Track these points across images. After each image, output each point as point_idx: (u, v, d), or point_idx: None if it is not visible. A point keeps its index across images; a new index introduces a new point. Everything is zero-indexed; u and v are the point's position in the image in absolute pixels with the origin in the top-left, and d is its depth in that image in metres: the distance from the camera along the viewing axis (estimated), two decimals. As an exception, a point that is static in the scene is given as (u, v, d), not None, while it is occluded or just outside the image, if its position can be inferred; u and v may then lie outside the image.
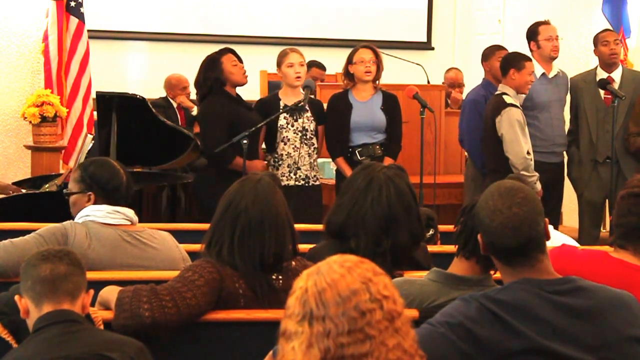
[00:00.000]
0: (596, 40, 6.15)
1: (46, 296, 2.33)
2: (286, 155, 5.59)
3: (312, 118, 5.63)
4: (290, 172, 5.58)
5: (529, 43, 6.09)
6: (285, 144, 5.60)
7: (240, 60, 5.56)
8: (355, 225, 2.97)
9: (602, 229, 6.42)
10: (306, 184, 5.60)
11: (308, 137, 5.61)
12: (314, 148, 5.65)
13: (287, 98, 5.63)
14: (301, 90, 5.64)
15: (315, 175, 5.65)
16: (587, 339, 2.17)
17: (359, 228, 2.96)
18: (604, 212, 6.33)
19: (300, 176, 5.59)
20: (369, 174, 3.04)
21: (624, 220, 2.82)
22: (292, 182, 5.58)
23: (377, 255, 2.94)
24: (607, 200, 6.11)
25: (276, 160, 5.62)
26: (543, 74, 5.99)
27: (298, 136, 5.58)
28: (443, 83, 8.01)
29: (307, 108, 5.60)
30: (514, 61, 5.60)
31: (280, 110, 5.53)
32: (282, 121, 5.56)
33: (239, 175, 5.11)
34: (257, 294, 2.73)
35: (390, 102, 5.69)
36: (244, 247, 2.73)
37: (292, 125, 5.59)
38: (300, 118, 5.60)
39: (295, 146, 5.58)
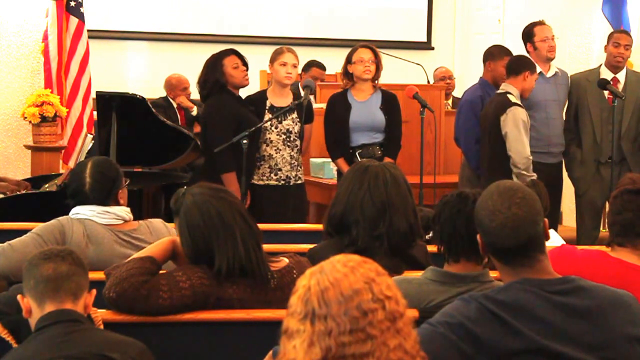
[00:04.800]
0: (609, 38, 6.12)
1: (48, 296, 2.33)
2: (268, 156, 5.56)
3: (298, 120, 5.60)
4: (270, 172, 5.56)
5: (525, 45, 6.07)
6: (267, 145, 5.57)
7: (244, 62, 5.53)
8: (354, 212, 3.04)
9: (601, 228, 6.42)
10: (287, 184, 5.59)
11: (292, 139, 5.58)
12: (297, 150, 5.63)
13: (275, 98, 5.60)
14: (300, 90, 5.64)
15: (296, 175, 5.62)
16: (587, 339, 2.17)
17: (358, 215, 3.03)
18: (603, 212, 6.33)
19: (280, 177, 5.58)
20: (364, 165, 3.15)
21: (619, 217, 2.85)
22: (272, 182, 5.57)
23: (374, 239, 2.99)
24: (607, 201, 6.10)
25: (257, 160, 5.60)
26: (540, 73, 5.97)
27: (281, 138, 5.56)
28: (435, 82, 8.04)
29: (294, 109, 5.58)
30: (530, 64, 5.60)
31: (267, 112, 5.51)
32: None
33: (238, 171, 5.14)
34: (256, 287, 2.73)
35: (389, 101, 5.67)
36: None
37: (276, 127, 5.56)
38: (285, 120, 5.58)
39: (277, 148, 5.56)
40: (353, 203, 3.05)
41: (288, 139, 5.57)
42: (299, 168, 5.65)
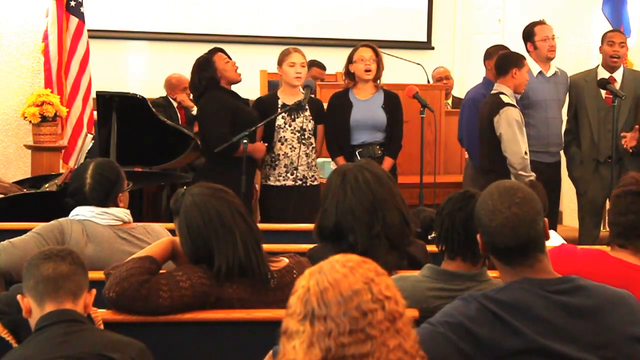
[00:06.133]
0: (603, 38, 6.14)
1: (48, 295, 2.33)
2: (283, 155, 5.58)
3: (311, 117, 5.63)
4: (287, 172, 5.58)
5: (525, 44, 6.09)
6: (282, 143, 5.59)
7: (230, 59, 5.57)
8: (347, 220, 3.03)
9: (602, 228, 6.42)
10: (304, 184, 5.59)
11: (306, 136, 5.60)
12: (312, 148, 5.65)
13: (286, 97, 5.63)
14: (301, 90, 5.65)
15: (313, 175, 5.64)
16: (587, 338, 2.17)
17: (352, 221, 3.02)
18: (604, 211, 6.34)
19: (297, 176, 5.58)
20: (341, 171, 3.14)
21: (622, 218, 2.83)
22: (289, 182, 5.58)
23: (373, 238, 2.98)
24: (607, 200, 6.10)
25: (273, 160, 5.61)
26: (540, 72, 5.99)
27: (296, 136, 5.58)
28: (433, 82, 8.06)
29: (307, 107, 5.61)
30: (515, 60, 5.58)
31: (280, 110, 5.53)
32: (279, 121, 5.56)
33: (238, 169, 5.15)
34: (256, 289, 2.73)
35: (391, 100, 5.69)
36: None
37: (290, 125, 5.58)
38: (298, 117, 5.60)
39: (292, 146, 5.58)
40: (343, 212, 3.03)
41: (302, 137, 5.58)
42: (315, 169, 5.67)
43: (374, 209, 3.03)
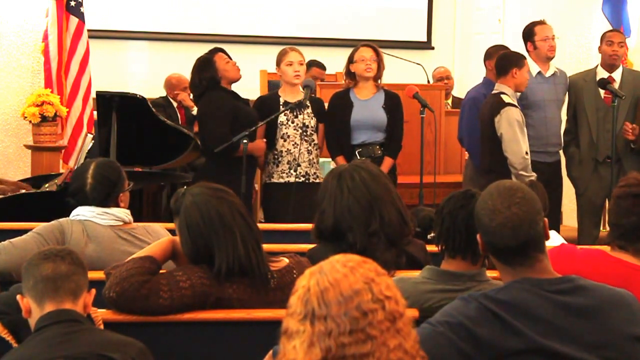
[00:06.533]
0: (602, 38, 6.14)
1: (48, 295, 2.33)
2: (286, 151, 5.60)
3: (313, 114, 5.64)
4: (290, 168, 5.60)
5: (525, 43, 6.09)
6: (285, 140, 5.61)
7: (230, 58, 5.59)
8: (345, 219, 3.03)
9: (601, 228, 6.42)
10: (306, 181, 5.61)
11: (308, 133, 5.62)
12: (315, 144, 5.66)
13: (287, 96, 5.65)
14: (301, 89, 5.65)
15: (315, 173, 5.66)
16: (587, 338, 2.17)
17: (350, 220, 3.02)
18: (603, 211, 6.34)
19: (300, 173, 5.60)
20: (336, 172, 3.15)
21: (624, 220, 2.83)
22: (292, 179, 5.59)
23: (371, 236, 2.99)
24: (607, 200, 6.10)
25: (276, 156, 5.63)
26: (539, 73, 5.99)
27: (298, 133, 5.60)
28: (434, 82, 8.08)
29: (308, 104, 5.62)
30: (515, 60, 5.59)
31: (282, 108, 5.55)
32: (282, 117, 5.58)
33: (238, 169, 5.16)
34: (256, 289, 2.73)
35: (392, 100, 5.70)
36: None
37: (292, 122, 5.60)
38: (300, 114, 5.62)
39: (295, 143, 5.59)
40: (341, 212, 3.04)
41: (305, 134, 5.60)
42: (317, 166, 5.69)
43: (371, 207, 3.04)
